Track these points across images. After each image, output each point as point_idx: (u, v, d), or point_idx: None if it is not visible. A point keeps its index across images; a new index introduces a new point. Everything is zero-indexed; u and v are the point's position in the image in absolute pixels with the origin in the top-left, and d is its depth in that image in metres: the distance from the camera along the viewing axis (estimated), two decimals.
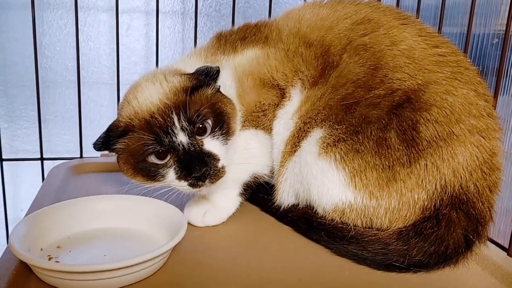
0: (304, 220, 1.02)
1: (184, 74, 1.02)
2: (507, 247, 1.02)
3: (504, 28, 1.12)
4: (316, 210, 1.01)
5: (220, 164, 0.95)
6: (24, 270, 0.83)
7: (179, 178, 0.93)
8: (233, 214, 1.10)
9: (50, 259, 0.86)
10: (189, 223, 1.04)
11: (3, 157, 1.59)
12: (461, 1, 1.50)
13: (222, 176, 0.95)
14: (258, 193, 1.14)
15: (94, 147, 1.01)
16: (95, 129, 1.32)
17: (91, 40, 1.82)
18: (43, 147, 1.63)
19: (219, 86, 1.04)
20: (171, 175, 0.94)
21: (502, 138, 0.96)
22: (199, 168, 0.91)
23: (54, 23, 1.78)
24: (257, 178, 1.11)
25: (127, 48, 1.84)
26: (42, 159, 1.60)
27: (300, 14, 1.12)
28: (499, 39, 1.35)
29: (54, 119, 1.85)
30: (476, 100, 0.94)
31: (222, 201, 1.07)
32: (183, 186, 0.94)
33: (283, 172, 1.04)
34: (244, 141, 1.07)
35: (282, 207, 1.07)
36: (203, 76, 1.01)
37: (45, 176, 1.57)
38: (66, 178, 1.28)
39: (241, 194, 1.10)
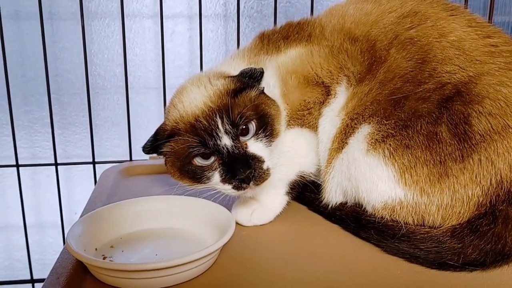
0: (353, 218, 1.01)
1: (228, 77, 1.03)
2: None
3: None
4: (365, 208, 0.99)
5: (265, 166, 0.95)
6: (81, 269, 0.86)
7: (224, 181, 0.94)
8: (280, 213, 1.09)
9: (104, 258, 0.89)
10: (236, 223, 1.05)
11: (57, 150, 1.66)
12: None
13: (266, 178, 0.95)
14: (305, 192, 1.14)
15: (143, 150, 1.04)
16: (143, 133, 1.35)
17: (137, 46, 1.87)
18: (94, 152, 1.69)
19: (263, 87, 1.04)
20: (216, 178, 0.95)
21: None
22: (243, 171, 0.92)
23: (102, 32, 1.84)
24: (304, 177, 1.10)
25: (172, 53, 1.88)
26: (94, 162, 1.66)
27: (343, 10, 1.11)
28: None
29: (104, 125, 1.91)
30: None
31: (269, 200, 1.07)
32: (227, 189, 0.95)
33: (330, 170, 1.03)
34: (290, 140, 1.06)
35: (330, 206, 1.06)
36: (247, 78, 1.01)
37: (97, 179, 1.63)
38: (117, 181, 1.32)
39: (288, 193, 1.10)
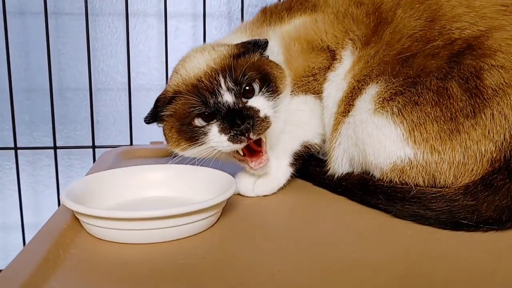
0: (360, 186, 0.96)
1: (232, 44, 1.01)
2: None
3: None
4: (372, 175, 0.95)
5: (261, 114, 0.91)
6: (74, 226, 0.82)
7: (221, 131, 0.90)
8: (284, 185, 1.05)
9: None
10: (239, 194, 1.02)
11: (57, 145, 1.64)
12: None
13: (267, 127, 0.92)
14: (310, 166, 1.09)
15: (144, 120, 1.03)
16: (145, 130, 1.35)
17: (141, 43, 1.87)
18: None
19: (268, 56, 1.03)
20: (213, 130, 0.92)
21: None
22: (241, 122, 0.88)
23: (106, 28, 1.84)
24: (308, 148, 1.06)
25: (176, 51, 1.86)
26: (94, 147, 1.62)
27: None
28: None
29: (106, 122, 1.88)
30: None
31: (272, 171, 1.03)
32: (223, 141, 0.90)
33: (336, 137, 1.00)
34: (294, 109, 1.03)
35: (336, 176, 1.02)
36: (251, 45, 1.00)
37: None
38: (116, 162, 1.28)
39: (292, 165, 1.06)
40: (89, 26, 1.62)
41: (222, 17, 1.91)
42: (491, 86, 0.84)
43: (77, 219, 0.82)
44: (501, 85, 0.84)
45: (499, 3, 0.92)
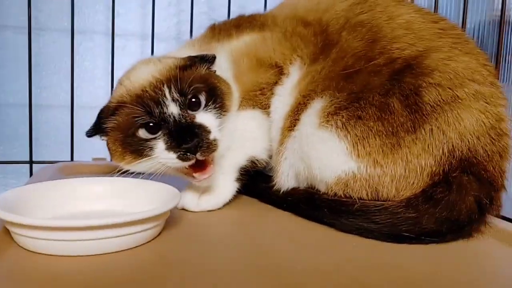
0: (305, 200, 0.96)
1: (179, 57, 1.01)
2: None
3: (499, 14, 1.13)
4: (318, 189, 0.96)
5: (211, 136, 0.90)
6: (4, 238, 0.77)
7: (168, 148, 0.88)
8: (230, 200, 1.03)
9: None
10: (184, 209, 0.99)
11: None
12: None
13: (214, 150, 0.91)
14: (256, 181, 1.09)
15: (86, 134, 1.00)
16: (87, 151, 1.28)
17: (87, 60, 1.82)
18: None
19: (215, 70, 1.02)
20: (160, 146, 0.89)
21: (507, 106, 0.93)
22: (190, 140, 0.87)
23: (51, 43, 1.78)
24: (255, 163, 1.06)
25: (122, 69, 1.82)
26: (31, 162, 1.54)
27: (294, 1, 1.13)
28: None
29: (45, 141, 1.80)
30: (478, 68, 0.92)
31: (218, 186, 1.01)
32: (171, 159, 0.88)
33: (282, 151, 1.00)
34: (241, 123, 1.03)
35: (282, 191, 1.02)
36: (198, 59, 0.99)
37: None
38: (56, 179, 1.22)
39: (238, 180, 1.05)
40: (33, 41, 1.56)
41: (171, 38, 1.90)
42: (430, 102, 0.87)
43: (8, 230, 0.76)
44: (438, 102, 0.87)
45: (436, 27, 0.97)
